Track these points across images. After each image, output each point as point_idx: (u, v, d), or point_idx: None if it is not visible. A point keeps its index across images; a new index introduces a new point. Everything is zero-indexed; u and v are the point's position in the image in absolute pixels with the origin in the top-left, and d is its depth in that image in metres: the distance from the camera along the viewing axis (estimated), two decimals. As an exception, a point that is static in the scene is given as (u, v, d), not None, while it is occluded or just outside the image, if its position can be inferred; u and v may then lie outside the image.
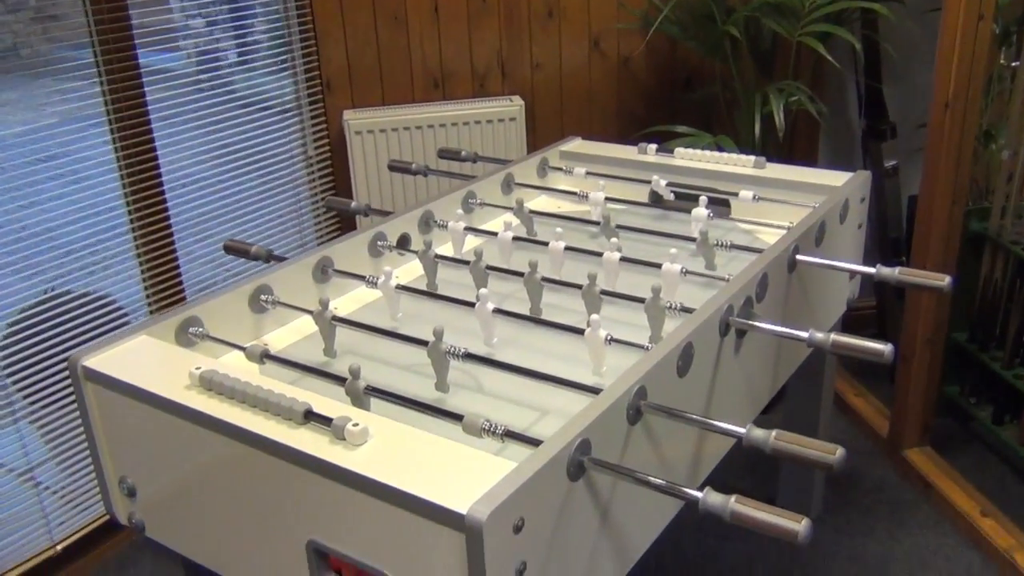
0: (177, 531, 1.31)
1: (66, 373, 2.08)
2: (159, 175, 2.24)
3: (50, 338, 2.05)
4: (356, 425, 1.07)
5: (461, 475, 1.01)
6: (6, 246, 1.99)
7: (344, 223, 2.67)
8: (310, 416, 1.12)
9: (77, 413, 2.11)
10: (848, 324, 2.15)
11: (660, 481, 1.03)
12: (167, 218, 2.28)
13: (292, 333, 1.55)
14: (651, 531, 1.29)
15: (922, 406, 2.36)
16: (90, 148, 2.11)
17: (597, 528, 1.14)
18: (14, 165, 2.00)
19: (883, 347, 1.24)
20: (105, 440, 1.34)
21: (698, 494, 0.99)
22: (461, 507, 0.95)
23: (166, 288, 2.29)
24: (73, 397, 2.09)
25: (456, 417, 1.17)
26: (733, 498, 0.96)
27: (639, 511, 1.24)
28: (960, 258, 2.24)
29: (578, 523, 1.10)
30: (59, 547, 2.10)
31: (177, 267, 2.32)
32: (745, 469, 2.40)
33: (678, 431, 1.30)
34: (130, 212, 2.20)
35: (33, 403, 2.05)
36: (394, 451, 1.06)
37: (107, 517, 2.19)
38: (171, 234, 2.29)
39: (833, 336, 1.28)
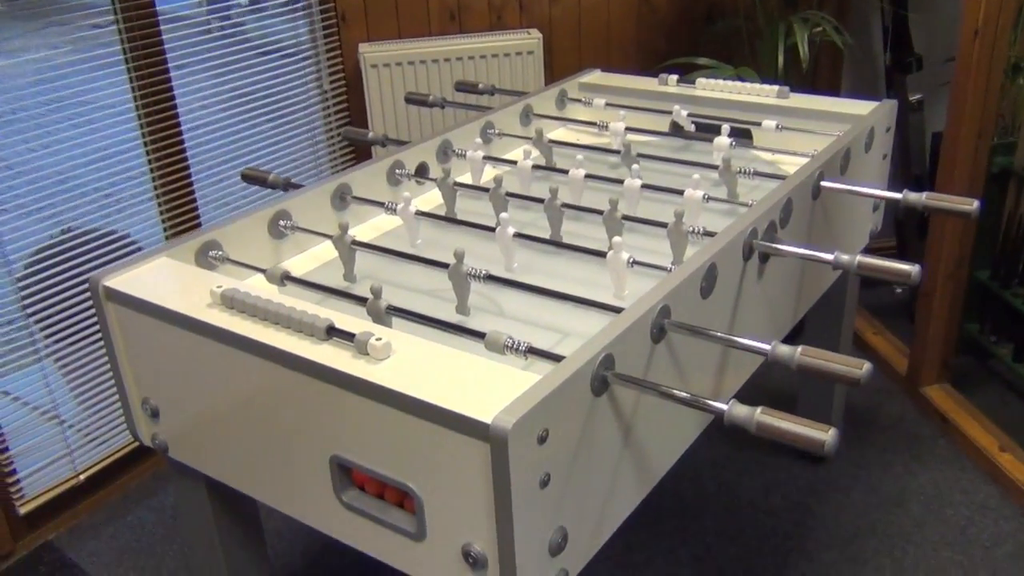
0: (200, 451, 1.32)
1: (85, 310, 2.08)
2: (176, 115, 2.22)
3: (69, 277, 2.05)
4: (379, 340, 1.07)
5: (485, 387, 1.01)
6: (23, 187, 1.98)
7: (360, 158, 2.65)
8: (332, 332, 1.12)
9: (98, 349, 2.12)
10: (869, 260, 2.14)
11: (684, 394, 1.02)
12: (185, 158, 2.26)
13: (311, 260, 1.55)
14: (672, 453, 1.29)
15: (942, 343, 2.34)
16: (107, 92, 2.09)
17: (620, 445, 1.14)
18: (28, 108, 1.98)
19: (910, 268, 1.23)
20: (127, 361, 1.34)
21: (723, 406, 0.98)
22: (486, 417, 0.95)
23: (185, 230, 2.29)
24: (94, 333, 2.10)
25: (478, 335, 1.16)
26: (759, 409, 0.96)
27: (661, 432, 1.24)
28: (984, 194, 2.21)
29: (601, 439, 1.10)
30: (82, 476, 2.12)
31: (195, 208, 2.31)
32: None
33: (701, 353, 1.30)
34: (148, 152, 2.18)
35: (55, 341, 2.05)
36: (417, 365, 1.06)
37: (130, 448, 2.21)
38: (189, 175, 2.27)
39: (859, 258, 1.27)
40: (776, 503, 2.08)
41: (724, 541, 1.98)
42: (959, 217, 1.47)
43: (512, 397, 0.97)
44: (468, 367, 1.05)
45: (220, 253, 1.42)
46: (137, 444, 2.24)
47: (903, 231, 2.79)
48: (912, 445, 2.25)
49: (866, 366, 1.00)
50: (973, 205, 1.43)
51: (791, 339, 1.48)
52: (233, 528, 1.48)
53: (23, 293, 1.98)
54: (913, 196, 1.48)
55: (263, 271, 1.39)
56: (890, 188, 1.58)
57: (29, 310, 2.00)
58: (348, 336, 1.10)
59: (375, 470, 1.08)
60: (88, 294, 2.08)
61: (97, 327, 2.11)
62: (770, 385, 2.50)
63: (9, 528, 2.01)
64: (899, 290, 2.95)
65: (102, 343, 2.12)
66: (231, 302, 1.20)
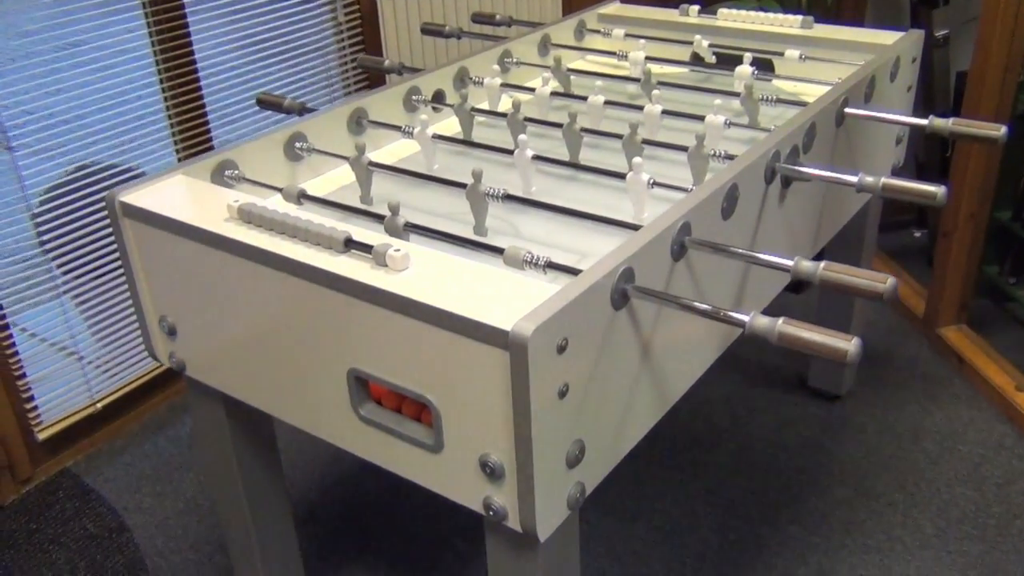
0: (217, 369, 1.32)
1: (102, 246, 2.08)
2: (192, 51, 2.18)
3: (85, 214, 2.04)
4: (398, 251, 1.06)
5: (504, 297, 1.00)
6: (39, 128, 1.97)
7: (374, 87, 2.62)
8: (350, 244, 1.11)
9: (114, 284, 2.13)
10: (887, 206, 2.11)
11: (705, 306, 1.01)
12: (200, 96, 2.24)
13: (328, 183, 1.54)
14: (689, 376, 1.29)
15: (960, 284, 2.32)
16: (122, 30, 2.07)
17: (638, 362, 1.13)
18: (43, 53, 1.96)
19: (935, 188, 1.21)
20: (144, 279, 1.34)
21: (745, 317, 0.97)
22: (506, 324, 0.94)
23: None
24: (110, 266, 2.10)
25: (497, 251, 1.15)
26: (781, 319, 0.95)
27: (679, 353, 1.23)
28: (1008, 140, 2.17)
29: (620, 353, 1.09)
30: (99, 405, 2.14)
31: (211, 144, 2.29)
32: (774, 348, 2.39)
33: (720, 274, 1.28)
34: (164, 91, 2.16)
35: (73, 277, 2.06)
36: (436, 276, 1.05)
37: (146, 379, 2.23)
38: (204, 112, 2.25)
39: (884, 179, 1.25)
40: (789, 440, 2.09)
41: (736, 475, 1.99)
42: (985, 143, 1.44)
43: (532, 306, 0.96)
44: (487, 278, 1.04)
45: (236, 173, 1.41)
46: (153, 375, 2.26)
47: (924, 175, 2.75)
48: (927, 385, 2.24)
49: (890, 280, 0.99)
50: (1000, 131, 1.40)
51: (807, 281, 1.48)
52: (250, 449, 1.49)
53: (39, 229, 1.98)
54: (939, 121, 1.45)
55: (279, 190, 1.38)
56: (913, 132, 1.55)
57: (47, 246, 2.00)
58: (366, 248, 1.09)
59: (393, 382, 1.08)
60: (103, 228, 2.08)
61: (113, 259, 2.11)
62: (785, 325, 2.49)
63: (28, 454, 2.03)
64: (917, 233, 2.93)
65: (118, 277, 2.13)
66: (248, 216, 1.19)
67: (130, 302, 2.16)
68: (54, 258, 2.02)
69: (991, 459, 1.99)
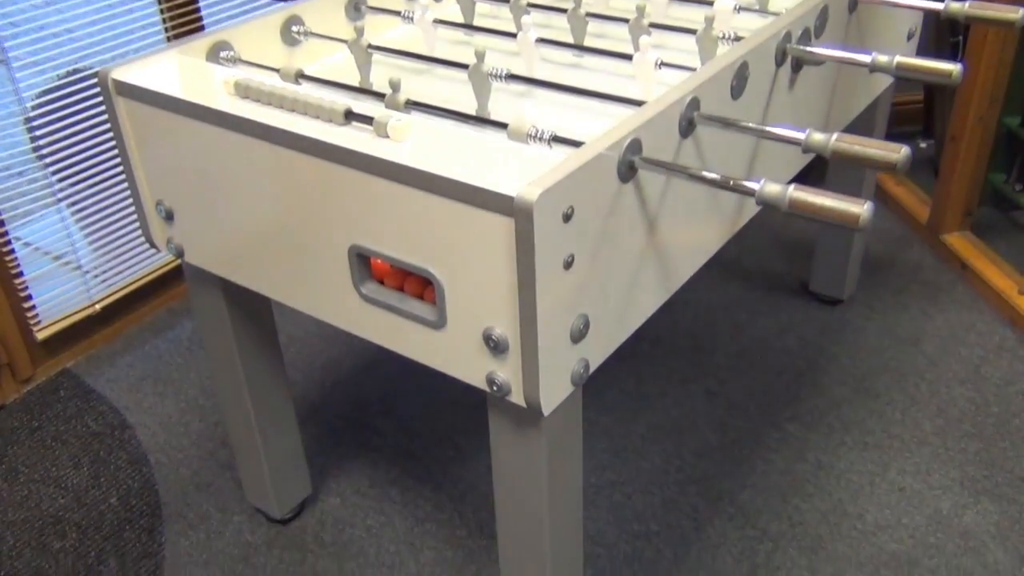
0: (215, 253, 1.31)
1: (98, 153, 2.04)
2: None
3: (78, 120, 2.00)
4: (399, 121, 1.04)
5: (509, 165, 0.98)
6: (29, 40, 1.92)
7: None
8: (351, 116, 1.08)
9: (110, 189, 2.09)
10: (893, 118, 2.07)
11: (714, 175, 0.99)
12: (198, 8, 2.18)
13: (326, 70, 1.50)
14: (695, 259, 1.27)
15: (966, 190, 2.29)
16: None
17: (644, 239, 1.12)
18: None
19: (951, 66, 1.17)
20: (139, 162, 1.31)
21: (755, 185, 0.95)
22: (510, 191, 0.92)
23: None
24: (107, 172, 2.07)
25: (501, 127, 1.13)
26: (792, 186, 0.93)
27: (685, 233, 1.21)
28: (1021, 40, 2.12)
29: (626, 228, 1.07)
30: (97, 306, 2.13)
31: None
32: (778, 252, 2.38)
33: (729, 155, 1.26)
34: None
35: (69, 184, 2.02)
36: (439, 146, 1.03)
37: (145, 281, 2.21)
38: (200, 18, 2.19)
39: (898, 57, 1.21)
40: (790, 342, 2.09)
41: (737, 376, 1.99)
42: (1002, 26, 1.40)
43: (538, 173, 0.94)
44: (491, 146, 1.02)
45: (231, 54, 1.37)
46: (152, 278, 2.24)
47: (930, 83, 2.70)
48: (929, 290, 2.23)
49: (903, 150, 0.97)
50: (1019, 13, 1.36)
51: (815, 182, 1.46)
52: (251, 338, 1.48)
53: (32, 134, 1.94)
54: (955, 6, 1.41)
55: (276, 71, 1.35)
56: (922, 44, 1.51)
57: (41, 152, 1.96)
58: (367, 120, 1.06)
59: (395, 257, 1.07)
60: (98, 132, 2.04)
61: (110, 163, 2.08)
62: (787, 234, 2.47)
63: (28, 353, 2.03)
64: (923, 144, 2.89)
65: (116, 182, 2.10)
66: (246, 91, 1.16)
67: (127, 205, 2.14)
68: (50, 164, 1.99)
69: (991, 361, 2.00)
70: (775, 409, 1.90)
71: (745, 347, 2.08)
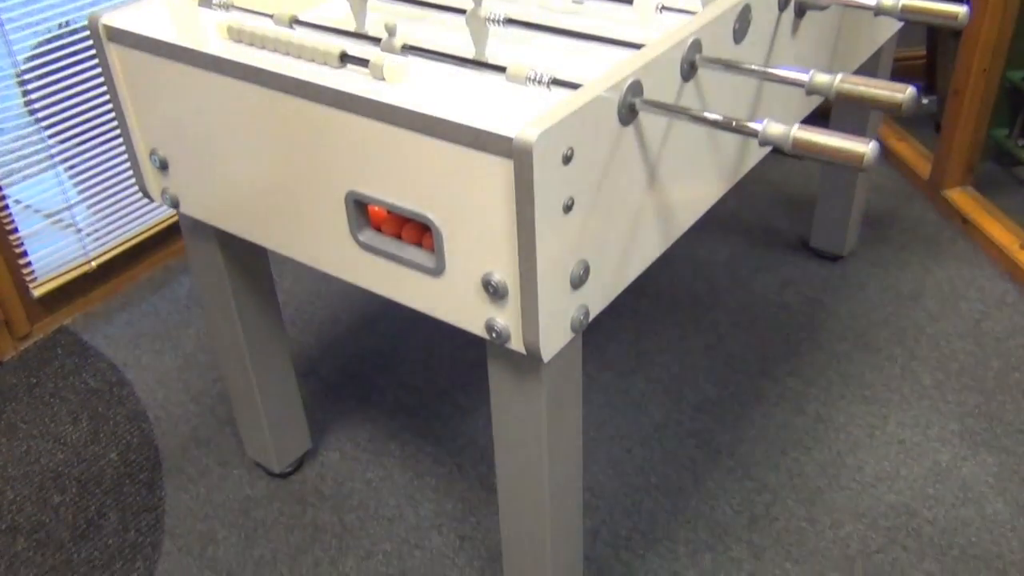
0: (211, 203, 1.29)
1: (93, 108, 2.02)
2: None
3: (72, 74, 1.97)
4: (396, 62, 1.02)
5: (508, 107, 0.96)
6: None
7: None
8: (346, 59, 1.06)
9: (105, 146, 2.07)
10: (895, 74, 2.04)
11: (716, 116, 0.97)
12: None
13: (320, 17, 1.47)
14: (696, 208, 1.26)
15: (968, 145, 2.27)
16: None
17: (644, 185, 1.10)
18: None
19: (957, 8, 1.15)
20: (132, 110, 1.29)
21: (758, 125, 0.94)
22: (509, 131, 0.91)
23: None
24: (102, 130, 2.05)
25: (499, 70, 1.11)
26: (796, 125, 0.91)
27: (686, 180, 1.20)
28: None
29: (626, 173, 1.06)
30: (94, 263, 2.12)
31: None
32: (778, 209, 2.37)
33: (732, 101, 1.24)
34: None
35: (62, 141, 2.00)
36: (436, 88, 1.01)
37: (141, 238, 2.20)
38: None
39: (903, 0, 1.19)
40: (790, 298, 2.08)
41: (737, 331, 1.99)
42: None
43: (537, 114, 0.92)
44: (489, 88, 1.00)
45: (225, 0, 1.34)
46: (148, 235, 2.23)
47: (934, 37, 2.67)
48: (931, 245, 2.22)
49: (909, 89, 0.95)
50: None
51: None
52: (248, 290, 1.47)
53: (24, 89, 1.91)
54: (962, -51, 1.38)
55: (270, 16, 1.32)
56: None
57: (37, 114, 1.94)
58: (363, 62, 1.04)
59: (393, 203, 1.05)
60: (91, 87, 2.01)
61: (104, 119, 2.05)
62: (787, 191, 2.46)
63: (25, 310, 2.02)
64: (926, 100, 2.86)
65: (111, 137, 2.07)
66: (239, 35, 1.14)
67: (123, 162, 2.11)
68: (48, 130, 1.97)
69: (992, 315, 1.99)
70: (775, 364, 1.90)
71: (745, 303, 2.07)
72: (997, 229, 2.17)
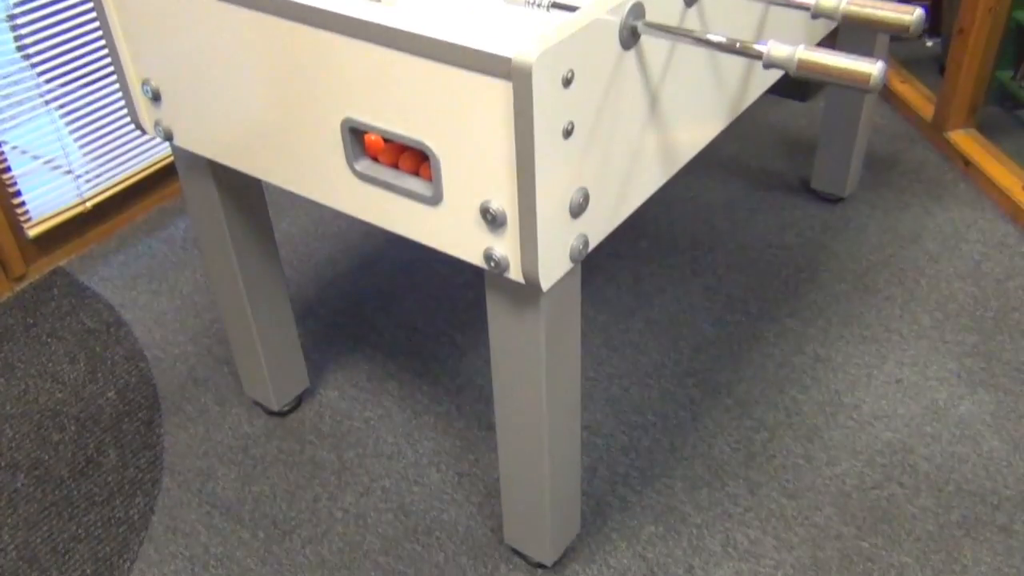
0: (205, 134, 1.27)
1: (79, 44, 1.98)
2: None
3: (61, 10, 1.94)
4: (392, -16, 0.99)
5: (506, 28, 0.94)
6: None
7: None
8: (341, -19, 1.03)
9: (97, 88, 2.04)
10: None
11: (720, 38, 0.95)
12: None
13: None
14: (697, 140, 1.24)
15: (972, 86, 2.24)
16: None
17: (645, 113, 1.09)
18: None
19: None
20: (124, 40, 1.27)
21: (762, 47, 0.92)
22: (508, 52, 0.89)
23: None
24: (94, 70, 2.01)
25: (497, -5, 1.08)
26: (800, 46, 0.89)
27: (688, 110, 1.18)
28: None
29: (627, 99, 1.04)
30: (88, 204, 2.10)
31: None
32: (779, 150, 2.34)
33: (735, 26, 1.22)
34: None
35: (57, 84, 1.96)
36: (434, 10, 0.99)
37: (136, 178, 2.18)
38: None
39: (912, -75, 1.16)
40: (790, 239, 2.07)
41: (736, 273, 1.98)
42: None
43: (536, 35, 0.90)
44: (487, 12, 0.98)
45: (216, -74, 1.31)
46: (142, 176, 2.20)
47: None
48: (932, 188, 2.21)
49: (917, 11, 0.93)
50: None
51: (815, 88, 1.42)
52: (244, 227, 1.46)
53: (16, 33, 1.87)
54: None
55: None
56: None
57: (32, 59, 1.90)
58: (358, -16, 1.02)
59: (390, 129, 1.04)
60: (82, 22, 1.97)
61: (95, 49, 2.02)
62: (788, 132, 2.43)
63: (20, 251, 2.00)
64: (930, 43, 2.82)
65: (102, 73, 2.04)
66: (231, -42, 1.11)
67: (116, 100, 2.08)
68: (40, 74, 1.94)
69: (992, 257, 1.98)
70: (774, 304, 1.89)
71: (745, 244, 2.06)
72: (999, 171, 2.15)
